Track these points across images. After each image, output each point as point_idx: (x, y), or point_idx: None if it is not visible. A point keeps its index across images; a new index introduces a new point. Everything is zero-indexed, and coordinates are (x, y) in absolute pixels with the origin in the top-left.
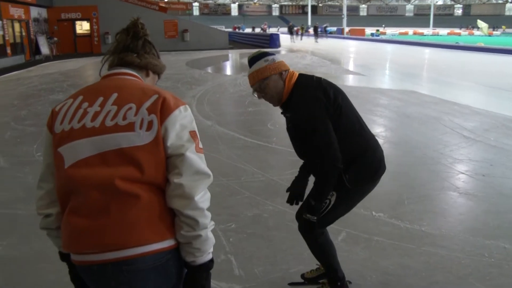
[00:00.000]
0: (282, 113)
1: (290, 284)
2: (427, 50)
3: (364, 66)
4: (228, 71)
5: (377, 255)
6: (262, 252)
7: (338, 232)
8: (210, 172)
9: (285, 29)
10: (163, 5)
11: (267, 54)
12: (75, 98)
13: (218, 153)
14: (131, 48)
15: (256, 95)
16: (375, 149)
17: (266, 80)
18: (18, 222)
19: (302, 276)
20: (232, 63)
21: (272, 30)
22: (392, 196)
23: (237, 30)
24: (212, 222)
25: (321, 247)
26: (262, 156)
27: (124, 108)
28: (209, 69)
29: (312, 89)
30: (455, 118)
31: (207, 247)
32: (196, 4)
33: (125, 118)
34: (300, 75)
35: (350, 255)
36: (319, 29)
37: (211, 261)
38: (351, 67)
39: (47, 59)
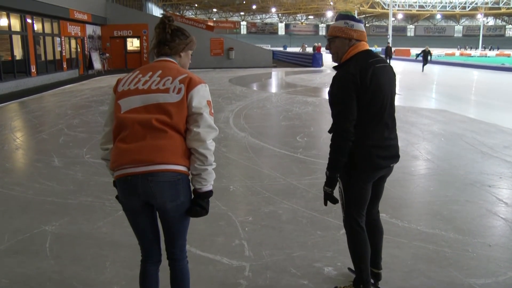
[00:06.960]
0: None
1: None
2: (471, 71)
3: (403, 86)
4: (268, 88)
5: None
6: (271, 239)
7: (341, 227)
8: (217, 128)
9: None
10: (211, 23)
11: (352, 18)
12: (134, 72)
13: (246, 160)
14: (165, 41)
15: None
16: (373, 146)
17: (336, 38)
18: (69, 208)
19: None
20: (273, 81)
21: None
22: (398, 200)
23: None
24: (215, 163)
25: (353, 245)
26: (286, 164)
27: (164, 79)
28: (250, 86)
29: (353, 69)
30: (478, 136)
31: (210, 179)
32: (243, 23)
33: (164, 85)
34: (364, 51)
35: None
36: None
37: (211, 191)
38: None
39: (99, 73)
